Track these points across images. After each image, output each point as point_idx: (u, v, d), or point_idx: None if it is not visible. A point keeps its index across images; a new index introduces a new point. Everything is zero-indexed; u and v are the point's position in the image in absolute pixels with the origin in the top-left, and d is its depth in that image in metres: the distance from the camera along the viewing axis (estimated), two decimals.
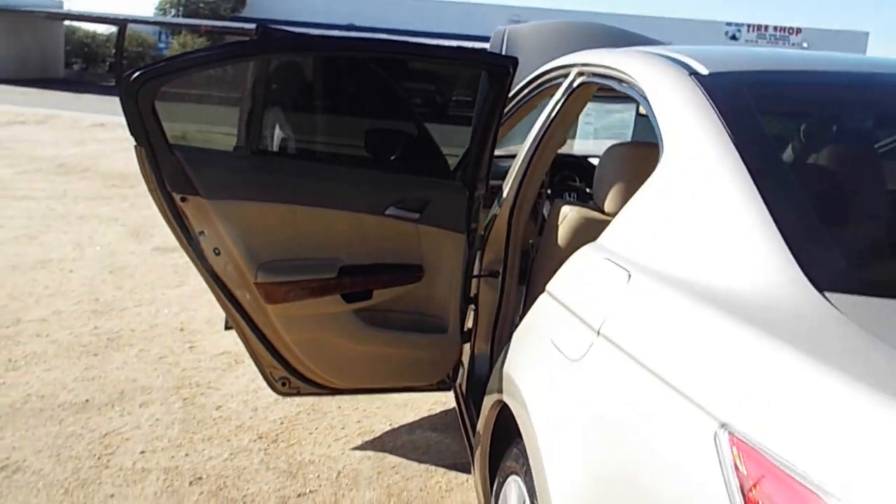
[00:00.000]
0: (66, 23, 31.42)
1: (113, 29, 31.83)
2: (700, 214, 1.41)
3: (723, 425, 1.03)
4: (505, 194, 2.73)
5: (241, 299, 2.45)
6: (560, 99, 2.51)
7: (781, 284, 1.17)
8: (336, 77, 2.71)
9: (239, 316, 2.49)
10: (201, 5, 51.96)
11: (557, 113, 2.52)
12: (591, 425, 1.34)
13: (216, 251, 2.37)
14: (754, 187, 1.33)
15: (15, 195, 7.47)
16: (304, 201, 2.40)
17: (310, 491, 2.78)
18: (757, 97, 1.66)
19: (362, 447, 3.13)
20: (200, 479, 2.79)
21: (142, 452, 2.93)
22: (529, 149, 2.62)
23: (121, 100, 2.10)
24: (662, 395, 1.16)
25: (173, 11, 52.38)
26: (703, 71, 1.75)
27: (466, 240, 2.62)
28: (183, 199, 2.29)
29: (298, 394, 2.75)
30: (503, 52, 4.69)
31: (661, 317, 1.31)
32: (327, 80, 2.71)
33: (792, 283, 1.17)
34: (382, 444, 3.18)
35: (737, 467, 0.98)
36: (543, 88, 2.87)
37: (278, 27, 2.65)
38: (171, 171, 2.24)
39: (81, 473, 2.75)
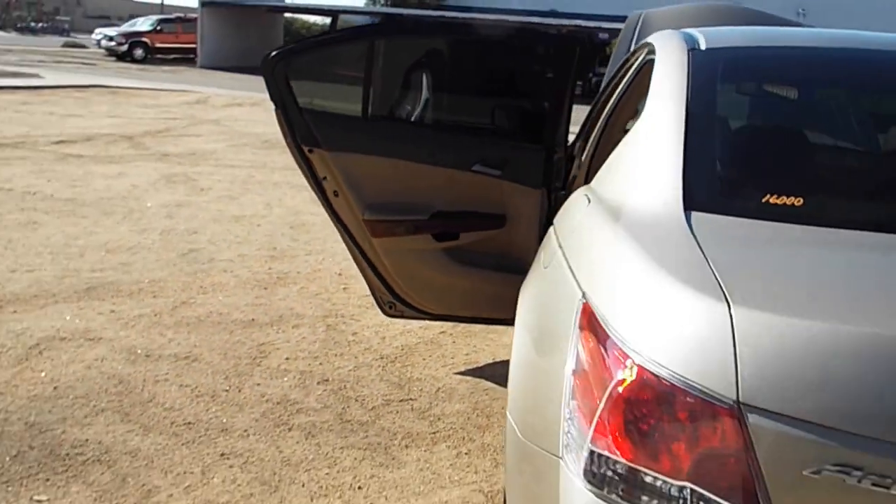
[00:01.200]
0: (286, 15, 34.35)
1: (327, 20, 34.49)
2: (643, 154, 1.81)
3: (583, 294, 1.46)
4: (583, 158, 3.15)
5: (354, 233, 3.09)
6: (632, 74, 2.89)
7: (664, 203, 1.57)
8: (436, 54, 3.25)
9: (354, 247, 3.13)
10: None
11: (628, 87, 2.90)
12: (539, 307, 1.81)
13: (335, 193, 3.02)
14: (682, 138, 1.72)
15: (225, 164, 8.75)
16: (404, 157, 2.98)
17: (410, 398, 3.38)
18: (726, 68, 2.01)
19: (464, 373, 3.69)
20: (327, 381, 3.48)
21: (286, 359, 3.68)
22: (604, 118, 3.02)
23: (262, 73, 2.79)
24: (568, 280, 1.61)
25: (382, 1, 54.93)
26: (702, 46, 2.11)
27: (547, 195, 3.07)
28: (310, 151, 2.95)
29: (403, 316, 3.35)
30: (636, 35, 5.00)
31: (584, 226, 1.75)
32: (429, 57, 3.26)
33: (671, 203, 1.56)
34: (482, 372, 3.72)
35: (579, 322, 1.41)
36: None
37: (410, 13, 3.23)
38: (300, 128, 2.91)
39: (239, 367, 3.54)
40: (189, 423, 3.01)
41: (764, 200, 1.59)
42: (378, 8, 43.36)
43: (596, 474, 1.21)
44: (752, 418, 1.08)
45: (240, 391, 3.31)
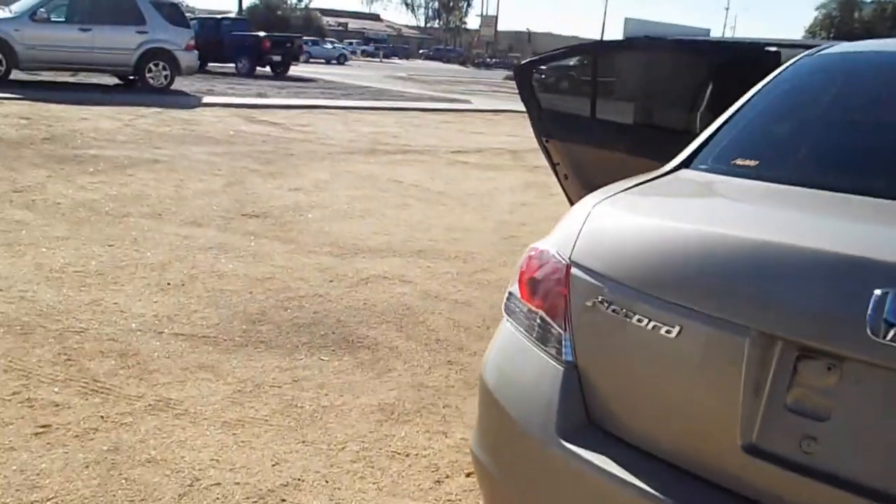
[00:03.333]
0: None
1: None
2: (707, 131, 2.28)
3: None
4: None
5: None
6: None
7: (672, 163, 2.09)
8: (648, 67, 3.76)
9: None
10: (856, 26, 49.61)
11: None
12: None
13: (565, 176, 3.76)
14: (723, 120, 2.19)
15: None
16: (617, 149, 3.60)
17: None
18: (810, 69, 2.33)
19: None
20: None
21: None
22: None
23: (514, 79, 3.65)
24: None
25: (823, 34, 50.91)
26: (821, 52, 2.44)
27: None
28: (547, 141, 3.73)
29: None
30: None
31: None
32: (643, 69, 3.79)
33: (674, 163, 2.08)
34: None
35: None
36: None
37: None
38: (541, 123, 3.71)
39: (498, 316, 4.42)
40: (439, 340, 4.00)
41: (732, 162, 2.02)
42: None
43: (507, 307, 1.87)
44: (574, 270, 1.67)
45: (488, 328, 4.21)
